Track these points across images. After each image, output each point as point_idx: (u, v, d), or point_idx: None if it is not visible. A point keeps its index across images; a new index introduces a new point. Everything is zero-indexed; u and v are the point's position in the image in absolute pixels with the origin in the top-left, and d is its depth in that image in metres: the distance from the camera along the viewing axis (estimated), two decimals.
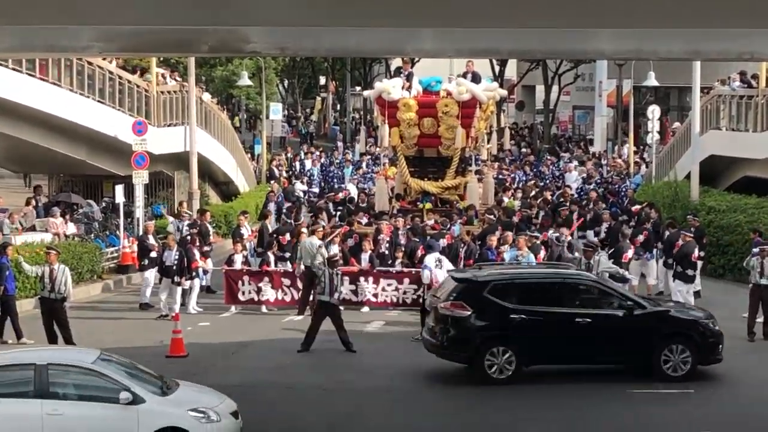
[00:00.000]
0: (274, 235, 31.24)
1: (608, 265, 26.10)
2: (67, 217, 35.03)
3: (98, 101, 36.03)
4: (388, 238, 30.25)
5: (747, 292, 26.69)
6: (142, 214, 35.65)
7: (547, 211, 35.26)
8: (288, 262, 29.99)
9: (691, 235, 29.24)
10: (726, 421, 19.65)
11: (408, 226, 31.57)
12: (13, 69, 31.83)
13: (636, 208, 35.93)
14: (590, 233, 32.54)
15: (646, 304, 22.48)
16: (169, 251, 28.57)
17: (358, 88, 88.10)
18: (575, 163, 52.00)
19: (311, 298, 27.93)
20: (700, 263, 29.55)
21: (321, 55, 67.70)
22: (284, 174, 52.22)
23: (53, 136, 34.52)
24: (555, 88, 72.35)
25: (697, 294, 29.16)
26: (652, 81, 51.49)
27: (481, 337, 21.72)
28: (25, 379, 16.51)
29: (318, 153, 57.46)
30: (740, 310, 26.82)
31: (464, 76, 34.84)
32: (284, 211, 38.23)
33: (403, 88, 34.21)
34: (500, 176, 46.20)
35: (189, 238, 30.01)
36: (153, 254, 29.56)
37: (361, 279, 29.09)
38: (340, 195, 41.98)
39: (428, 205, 33.91)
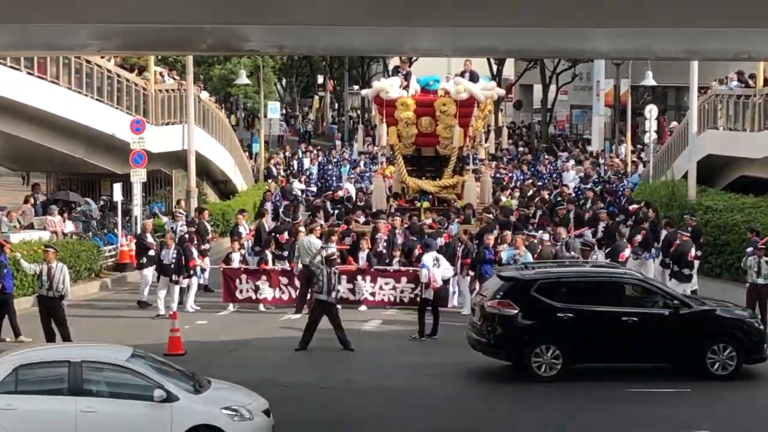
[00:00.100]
0: (272, 234, 31.28)
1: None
2: (65, 215, 35.02)
3: (96, 99, 36.02)
4: (385, 237, 30.28)
5: (744, 291, 26.73)
6: (140, 213, 35.66)
7: (544, 210, 35.29)
8: (286, 261, 30.02)
9: (688, 234, 29.28)
10: (723, 420, 19.66)
11: (405, 225, 31.60)
12: (12, 67, 31.83)
13: (633, 207, 35.96)
14: (588, 232, 32.56)
15: (692, 304, 22.59)
16: (166, 250, 28.57)
17: (356, 87, 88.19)
18: (573, 162, 52.05)
19: (309, 296, 27.98)
20: (697, 263, 29.58)
21: (319, 54, 67.68)
22: (282, 173, 52.24)
23: (51, 135, 34.52)
24: (553, 88, 72.46)
25: (693, 293, 29.17)
26: (649, 80, 51.58)
27: (527, 335, 21.87)
28: (59, 377, 16.50)
29: (315, 152, 57.51)
30: None
31: (462, 75, 34.89)
32: (282, 209, 38.26)
33: (401, 87, 34.25)
34: (498, 175, 46.29)
35: (187, 236, 30.01)
36: (151, 253, 29.56)
37: (359, 278, 29.10)
38: (339, 193, 42.02)
39: (426, 204, 33.96)
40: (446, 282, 27.20)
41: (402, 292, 28.99)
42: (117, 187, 34.91)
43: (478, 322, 22.52)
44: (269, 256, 29.86)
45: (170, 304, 27.92)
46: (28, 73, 32.68)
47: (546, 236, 29.42)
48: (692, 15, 16.13)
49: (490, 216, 31.91)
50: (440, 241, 29.27)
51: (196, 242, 29.87)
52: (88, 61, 35.24)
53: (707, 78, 43.49)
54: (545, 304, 21.88)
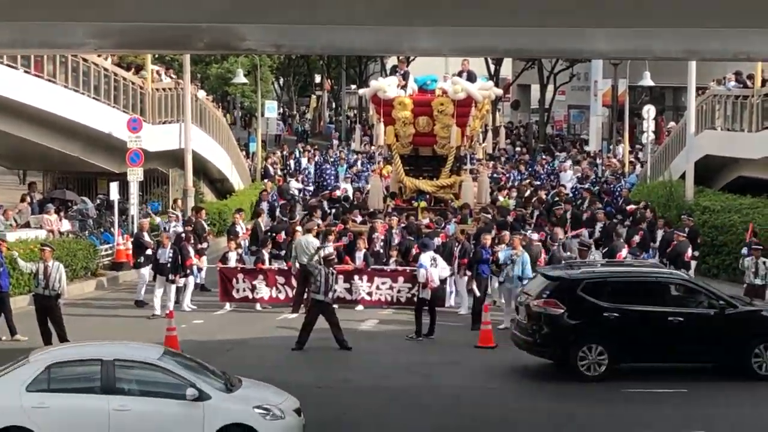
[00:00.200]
0: (269, 233, 31.24)
1: None
2: (62, 214, 34.97)
3: (93, 98, 35.97)
4: (382, 237, 30.25)
5: (741, 292, 26.69)
6: (137, 212, 35.61)
7: (541, 210, 35.26)
8: (283, 261, 29.97)
9: (685, 235, 29.28)
10: (719, 420, 19.66)
11: (402, 225, 31.58)
12: (8, 65, 31.77)
13: (631, 207, 35.95)
14: (585, 233, 32.54)
15: (737, 304, 22.60)
16: (163, 249, 28.53)
17: (353, 87, 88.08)
18: (570, 162, 52.02)
19: (305, 296, 27.95)
20: (694, 263, 29.57)
21: (316, 53, 67.66)
22: (279, 172, 52.20)
23: (48, 133, 34.46)
24: (550, 88, 72.41)
25: None
26: (647, 81, 51.48)
27: (573, 334, 21.92)
28: (92, 375, 16.52)
29: (312, 151, 57.47)
30: None
31: (460, 74, 34.88)
32: (278, 209, 38.22)
33: (398, 86, 34.24)
34: (495, 175, 46.24)
35: (184, 235, 29.98)
36: (148, 252, 29.51)
37: (356, 277, 29.07)
38: (337, 193, 41.99)
39: (423, 204, 33.96)
40: (443, 282, 27.20)
41: (399, 291, 28.96)
42: (114, 186, 34.88)
43: (523, 321, 22.61)
44: (266, 256, 29.82)
45: (167, 303, 27.89)
46: (25, 72, 32.63)
47: (535, 236, 29.44)
48: (692, 15, 16.10)
49: (488, 216, 31.89)
50: (437, 240, 29.23)
51: (192, 241, 29.83)
52: (84, 60, 35.19)
53: (705, 78, 43.44)
54: (591, 304, 21.97)
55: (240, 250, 30.46)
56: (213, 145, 45.33)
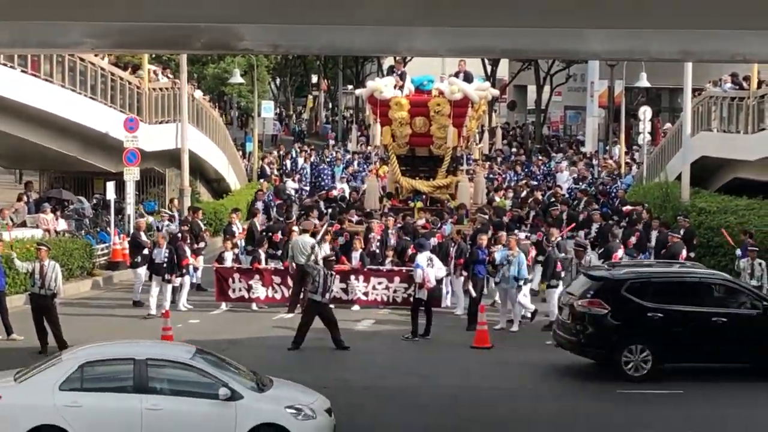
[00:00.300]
0: (265, 233, 31.25)
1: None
2: (58, 213, 35.01)
3: (90, 98, 35.96)
4: (378, 237, 30.27)
5: None
6: (133, 211, 35.61)
7: (537, 211, 35.30)
8: (279, 260, 30.00)
9: (678, 236, 29.35)
10: (715, 421, 19.69)
11: (399, 225, 31.60)
12: (5, 65, 31.77)
13: (627, 208, 35.99)
14: (581, 233, 32.57)
15: None
16: (158, 249, 28.52)
17: (350, 87, 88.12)
18: (566, 163, 52.06)
19: (301, 296, 27.98)
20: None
21: (313, 54, 67.67)
22: (275, 172, 52.20)
23: (45, 133, 34.45)
24: (547, 89, 72.46)
25: None
26: (643, 82, 51.60)
27: (618, 334, 21.96)
28: (124, 374, 16.51)
29: (309, 150, 57.48)
30: None
31: (456, 75, 34.90)
32: (275, 208, 38.21)
33: (395, 87, 34.26)
34: (491, 176, 46.26)
35: (180, 235, 29.99)
36: (145, 251, 29.51)
37: (352, 277, 29.10)
38: (334, 193, 42.00)
39: (419, 204, 33.99)
40: (439, 282, 27.22)
41: (395, 291, 29.00)
42: (110, 186, 34.90)
43: (567, 321, 22.65)
44: (262, 256, 29.85)
45: (162, 303, 27.89)
46: (22, 71, 32.62)
47: (522, 235, 29.51)
48: (688, 16, 16.13)
49: (485, 216, 31.92)
50: (433, 241, 29.26)
51: (189, 241, 29.85)
52: (82, 59, 35.19)
53: (701, 80, 43.50)
54: (636, 304, 22.03)
55: (236, 250, 30.48)
56: (210, 145, 45.33)
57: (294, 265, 28.45)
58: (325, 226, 29.74)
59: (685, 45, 19.10)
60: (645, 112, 51.58)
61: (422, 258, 26.13)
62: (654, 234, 31.26)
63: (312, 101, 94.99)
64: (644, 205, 35.28)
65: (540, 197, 38.73)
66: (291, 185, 47.92)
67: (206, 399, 16.34)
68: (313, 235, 28.91)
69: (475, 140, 36.71)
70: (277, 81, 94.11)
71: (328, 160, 54.41)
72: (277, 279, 29.30)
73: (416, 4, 16.26)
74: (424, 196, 34.44)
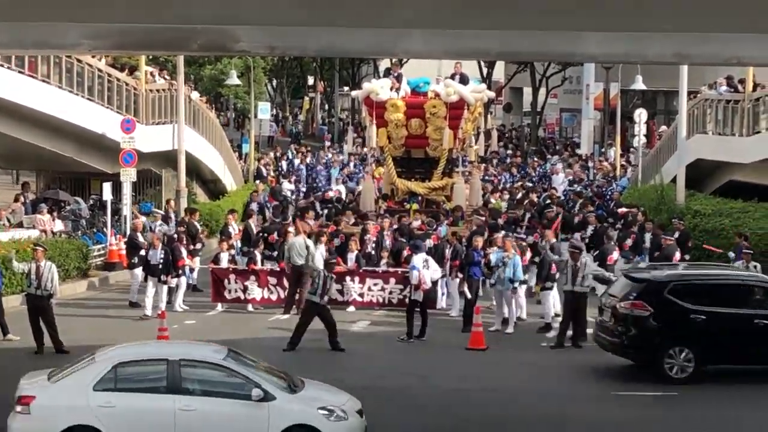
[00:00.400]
0: (261, 234, 31.28)
1: (594, 268, 26.31)
2: (55, 214, 35.02)
3: (87, 99, 36.00)
4: (374, 238, 30.31)
5: None
6: (129, 212, 35.64)
7: (533, 213, 35.36)
8: (275, 261, 30.04)
9: (672, 238, 29.43)
10: (711, 423, 19.73)
11: (394, 227, 31.63)
12: (2, 65, 31.80)
13: (622, 210, 36.05)
14: (576, 236, 32.64)
15: None
16: (153, 250, 28.51)
17: (346, 89, 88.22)
18: (562, 165, 52.13)
19: (297, 297, 28.03)
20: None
21: (310, 55, 67.70)
22: (272, 173, 52.25)
23: (42, 133, 34.49)
24: (542, 91, 72.55)
25: None
26: (639, 84, 51.67)
27: (660, 336, 21.98)
28: (158, 374, 16.49)
29: (305, 152, 57.52)
30: None
31: (452, 77, 34.97)
32: (271, 209, 38.25)
33: (391, 88, 34.29)
34: (487, 177, 46.34)
35: (176, 236, 30.01)
36: (142, 252, 29.53)
37: (347, 279, 29.13)
38: (330, 194, 42.04)
39: (415, 206, 34.02)
40: (435, 284, 27.25)
41: (390, 293, 29.03)
42: (107, 187, 34.90)
43: (609, 323, 22.65)
44: (258, 256, 29.88)
45: (158, 304, 27.91)
46: (19, 72, 32.66)
47: (518, 236, 29.62)
48: (683, 20, 16.20)
49: (481, 218, 31.95)
50: (429, 242, 29.30)
51: (185, 242, 29.88)
52: (78, 61, 35.23)
53: (697, 82, 43.61)
54: (678, 306, 22.02)
55: (232, 251, 30.50)
56: (206, 146, 45.38)
57: (291, 265, 28.49)
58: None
59: (682, 48, 19.16)
60: (640, 115, 51.63)
61: (418, 259, 26.17)
62: (648, 236, 31.33)
63: (308, 103, 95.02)
64: (639, 208, 35.35)
65: (535, 199, 38.77)
66: (287, 186, 48.00)
67: (239, 400, 16.31)
68: (310, 236, 29.00)
69: (470, 142, 36.73)
70: (274, 82, 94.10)
71: (324, 161, 54.47)
72: (273, 280, 29.33)
73: (412, 6, 16.32)
74: (419, 198, 34.49)
